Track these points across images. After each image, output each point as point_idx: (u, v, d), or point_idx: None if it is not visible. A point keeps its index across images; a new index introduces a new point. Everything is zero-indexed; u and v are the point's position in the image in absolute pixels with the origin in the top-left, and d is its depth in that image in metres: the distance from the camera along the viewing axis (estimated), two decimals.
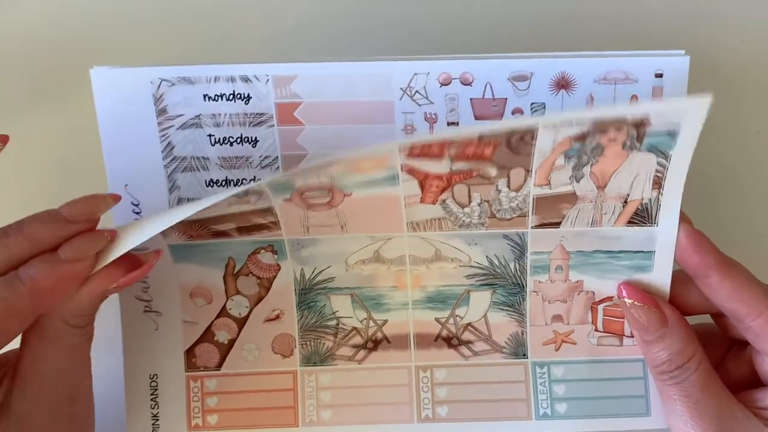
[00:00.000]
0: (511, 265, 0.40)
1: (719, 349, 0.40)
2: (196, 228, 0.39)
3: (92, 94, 0.39)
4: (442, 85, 0.39)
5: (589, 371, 0.40)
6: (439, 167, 0.36)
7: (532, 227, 0.38)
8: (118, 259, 0.35)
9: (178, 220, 0.35)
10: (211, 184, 0.40)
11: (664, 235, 0.37)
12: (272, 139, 0.40)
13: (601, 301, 0.40)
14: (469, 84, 0.39)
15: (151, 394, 0.41)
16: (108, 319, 0.39)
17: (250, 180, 0.40)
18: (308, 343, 0.41)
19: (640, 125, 0.35)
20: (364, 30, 0.47)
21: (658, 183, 0.37)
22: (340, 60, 0.39)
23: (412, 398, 0.41)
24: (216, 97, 0.39)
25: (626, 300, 0.38)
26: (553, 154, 0.36)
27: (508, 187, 0.37)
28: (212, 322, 0.41)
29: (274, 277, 0.40)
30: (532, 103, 0.39)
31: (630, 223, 0.38)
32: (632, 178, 0.37)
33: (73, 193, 0.35)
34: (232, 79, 0.39)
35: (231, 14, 0.47)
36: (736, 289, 0.36)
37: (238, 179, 0.40)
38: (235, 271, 0.40)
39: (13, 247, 0.34)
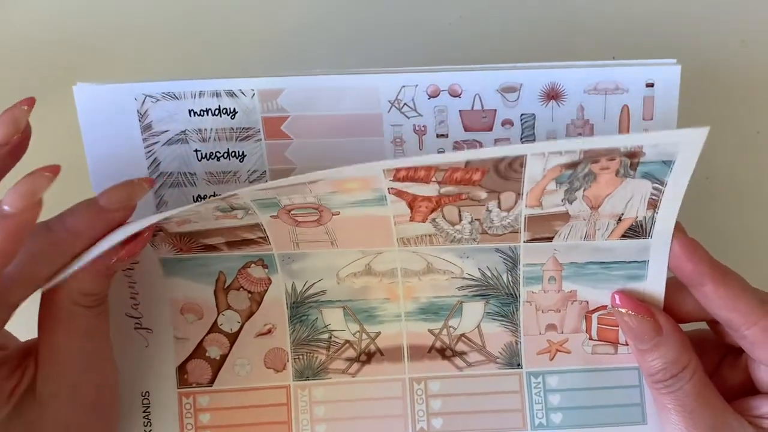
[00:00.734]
0: (504, 277, 0.39)
1: (715, 356, 0.40)
2: (186, 241, 0.38)
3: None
4: (431, 97, 0.38)
5: (584, 380, 0.40)
6: (427, 191, 0.36)
7: (524, 242, 0.38)
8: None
9: (161, 218, 0.35)
10: (199, 199, 0.40)
11: (658, 245, 0.37)
12: (260, 154, 0.39)
13: (596, 310, 0.39)
14: (458, 96, 0.38)
15: (144, 412, 0.40)
16: None
17: None
18: (301, 357, 0.40)
19: (633, 155, 0.34)
20: (351, 42, 0.47)
21: (653, 205, 0.36)
22: (327, 73, 0.38)
23: (406, 410, 0.41)
24: (201, 113, 0.39)
25: (620, 309, 0.38)
26: (543, 180, 0.35)
27: (499, 207, 0.37)
28: (203, 337, 0.40)
29: (265, 291, 0.40)
30: (521, 114, 0.39)
31: (624, 237, 0.37)
32: (626, 201, 0.36)
33: (63, 201, 0.35)
34: (217, 94, 0.38)
35: (217, 27, 0.47)
36: (731, 298, 0.36)
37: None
38: (226, 285, 0.40)
39: (60, 244, 0.34)
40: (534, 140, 0.39)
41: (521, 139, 0.39)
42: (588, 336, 0.40)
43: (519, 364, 0.40)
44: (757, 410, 0.38)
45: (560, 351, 0.40)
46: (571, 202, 0.36)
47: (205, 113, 0.39)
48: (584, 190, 0.36)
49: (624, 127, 0.38)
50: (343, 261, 0.39)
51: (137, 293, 0.40)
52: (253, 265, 0.40)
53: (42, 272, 0.34)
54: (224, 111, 0.39)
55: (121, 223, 0.35)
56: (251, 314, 0.40)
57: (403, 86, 0.38)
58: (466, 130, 0.39)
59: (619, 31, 0.47)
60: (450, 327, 0.40)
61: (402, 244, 0.38)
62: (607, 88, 0.38)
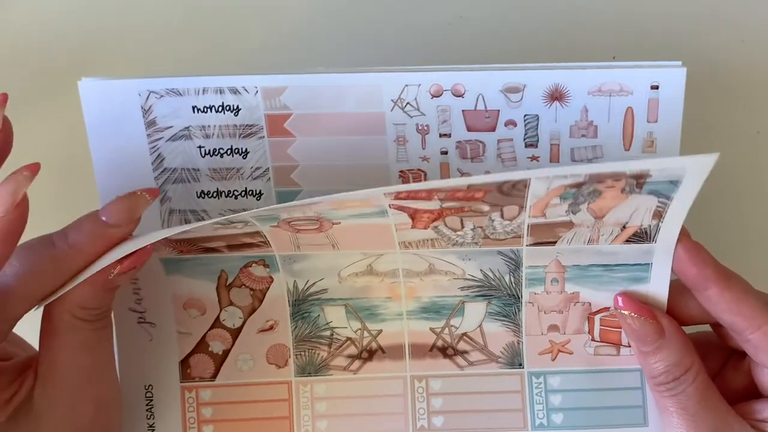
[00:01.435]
0: (506, 278, 0.39)
1: (718, 359, 0.40)
2: (186, 245, 0.39)
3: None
4: (434, 96, 0.38)
5: (586, 381, 0.40)
6: (429, 205, 0.36)
7: (527, 245, 0.38)
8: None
9: (162, 236, 0.35)
10: (203, 195, 0.40)
11: (662, 249, 0.37)
12: (263, 151, 0.39)
13: (598, 312, 0.39)
14: (461, 96, 0.38)
15: (147, 405, 0.41)
16: None
17: (242, 191, 0.40)
18: (303, 353, 0.41)
19: (639, 177, 0.34)
20: (352, 41, 0.46)
21: (658, 215, 0.36)
22: (330, 71, 0.38)
23: (407, 408, 0.41)
24: (205, 109, 0.39)
25: (623, 311, 0.38)
26: (547, 197, 0.35)
27: (502, 217, 0.36)
28: (206, 332, 0.41)
29: (267, 288, 0.40)
30: (525, 115, 0.38)
31: (628, 242, 0.37)
32: (631, 212, 0.36)
33: (65, 199, 0.35)
34: (221, 91, 0.38)
35: (221, 25, 0.47)
36: (735, 302, 0.36)
37: (230, 190, 0.40)
38: (228, 282, 0.40)
39: (62, 259, 0.34)
40: (537, 141, 0.39)
41: (524, 139, 0.39)
42: (590, 337, 0.40)
43: (520, 364, 0.40)
44: (760, 414, 0.37)
45: (562, 351, 0.40)
46: (575, 213, 0.36)
47: (209, 110, 0.39)
48: (588, 204, 0.35)
49: (628, 129, 0.38)
50: (344, 262, 0.39)
51: (140, 289, 0.40)
52: (254, 264, 0.40)
53: (43, 287, 0.34)
54: (228, 108, 0.39)
55: (124, 238, 0.35)
56: (253, 310, 0.40)
57: (406, 85, 0.38)
58: (469, 130, 0.39)
59: (619, 31, 0.46)
60: (452, 326, 0.40)
61: (404, 247, 0.38)
62: (612, 90, 0.37)
